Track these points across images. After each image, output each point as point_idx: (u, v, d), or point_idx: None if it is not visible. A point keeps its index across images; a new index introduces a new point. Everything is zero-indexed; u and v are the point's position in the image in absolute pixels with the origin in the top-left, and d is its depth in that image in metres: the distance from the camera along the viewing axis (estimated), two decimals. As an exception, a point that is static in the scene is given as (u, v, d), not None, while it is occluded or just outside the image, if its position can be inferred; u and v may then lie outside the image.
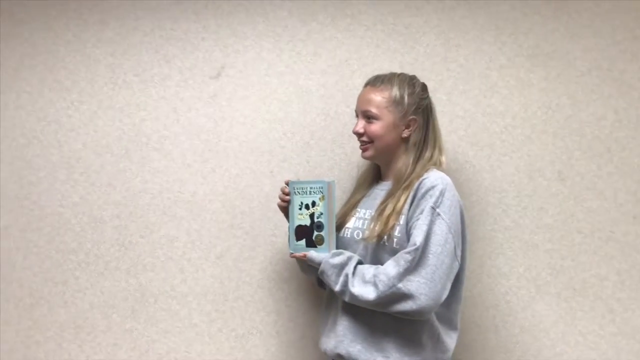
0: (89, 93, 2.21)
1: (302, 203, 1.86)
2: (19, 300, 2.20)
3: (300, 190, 1.87)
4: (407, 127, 1.85)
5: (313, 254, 1.83)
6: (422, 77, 2.13)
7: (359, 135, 1.88)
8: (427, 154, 1.86)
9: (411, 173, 1.82)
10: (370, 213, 1.87)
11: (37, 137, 2.21)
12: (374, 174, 1.99)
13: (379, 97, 1.84)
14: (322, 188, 1.84)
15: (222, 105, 2.21)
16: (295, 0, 2.18)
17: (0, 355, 2.21)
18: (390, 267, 1.70)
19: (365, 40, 2.18)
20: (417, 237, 1.69)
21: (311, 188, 1.85)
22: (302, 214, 1.86)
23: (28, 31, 2.22)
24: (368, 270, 1.75)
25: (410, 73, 1.94)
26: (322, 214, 1.84)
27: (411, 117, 1.84)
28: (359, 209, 1.92)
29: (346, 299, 1.75)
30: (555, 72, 2.14)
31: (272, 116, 2.20)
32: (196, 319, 2.21)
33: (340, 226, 1.93)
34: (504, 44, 2.14)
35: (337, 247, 1.89)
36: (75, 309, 2.21)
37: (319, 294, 2.13)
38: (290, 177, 2.18)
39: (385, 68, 2.10)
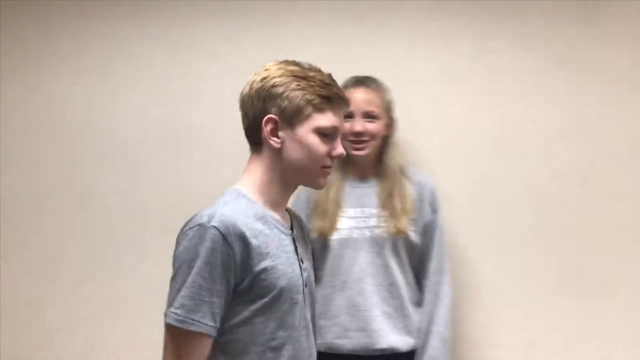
0: (139, 86, 2.35)
1: None
2: (66, 279, 2.34)
3: None
4: (390, 126, 2.03)
5: None
6: (451, 81, 2.24)
7: (359, 134, 1.98)
8: (399, 151, 2.06)
9: (399, 168, 2.02)
10: (368, 211, 2.00)
11: (89, 126, 2.35)
12: (342, 172, 2.05)
13: (378, 98, 2.00)
14: None
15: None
16: (333, 3, 2.29)
17: (46, 327, 2.35)
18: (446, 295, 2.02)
19: (402, 44, 2.28)
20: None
21: None
22: None
23: (86, 29, 2.36)
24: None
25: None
26: None
27: (392, 116, 2.03)
28: (345, 209, 2.02)
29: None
30: (582, 80, 2.23)
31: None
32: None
33: (328, 230, 2.00)
34: (534, 52, 2.23)
35: (332, 251, 2.01)
36: (119, 289, 2.34)
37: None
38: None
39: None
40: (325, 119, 1.37)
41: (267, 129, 1.36)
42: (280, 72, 1.37)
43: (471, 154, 2.24)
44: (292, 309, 1.36)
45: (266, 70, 1.40)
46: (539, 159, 2.23)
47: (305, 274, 1.41)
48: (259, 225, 1.33)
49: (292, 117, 1.36)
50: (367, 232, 1.98)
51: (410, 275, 2.03)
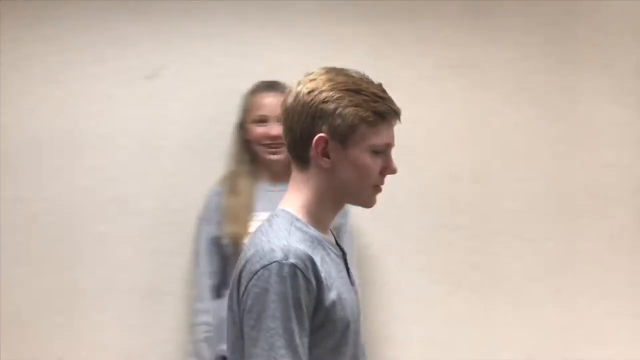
0: (23, 90, 2.23)
1: None
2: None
3: None
4: None
5: None
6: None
7: (276, 138, 1.97)
8: None
9: None
10: None
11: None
12: (253, 176, 2.08)
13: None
14: None
15: (157, 105, 2.26)
16: (231, 4, 2.26)
17: None
18: None
19: (299, 47, 2.28)
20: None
21: None
22: None
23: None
24: None
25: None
26: None
27: None
28: (257, 213, 2.02)
29: None
30: (474, 83, 2.31)
31: (207, 117, 2.26)
32: (126, 313, 2.25)
33: (240, 235, 1.99)
34: (429, 56, 2.29)
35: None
36: (8, 304, 2.21)
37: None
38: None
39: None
40: (379, 137, 1.25)
41: (318, 149, 1.22)
42: (330, 84, 1.22)
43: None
44: (356, 339, 1.26)
45: (312, 80, 1.23)
46: (435, 160, 2.30)
47: (357, 297, 1.32)
48: (321, 252, 1.21)
49: (344, 137, 1.22)
50: None
51: None
